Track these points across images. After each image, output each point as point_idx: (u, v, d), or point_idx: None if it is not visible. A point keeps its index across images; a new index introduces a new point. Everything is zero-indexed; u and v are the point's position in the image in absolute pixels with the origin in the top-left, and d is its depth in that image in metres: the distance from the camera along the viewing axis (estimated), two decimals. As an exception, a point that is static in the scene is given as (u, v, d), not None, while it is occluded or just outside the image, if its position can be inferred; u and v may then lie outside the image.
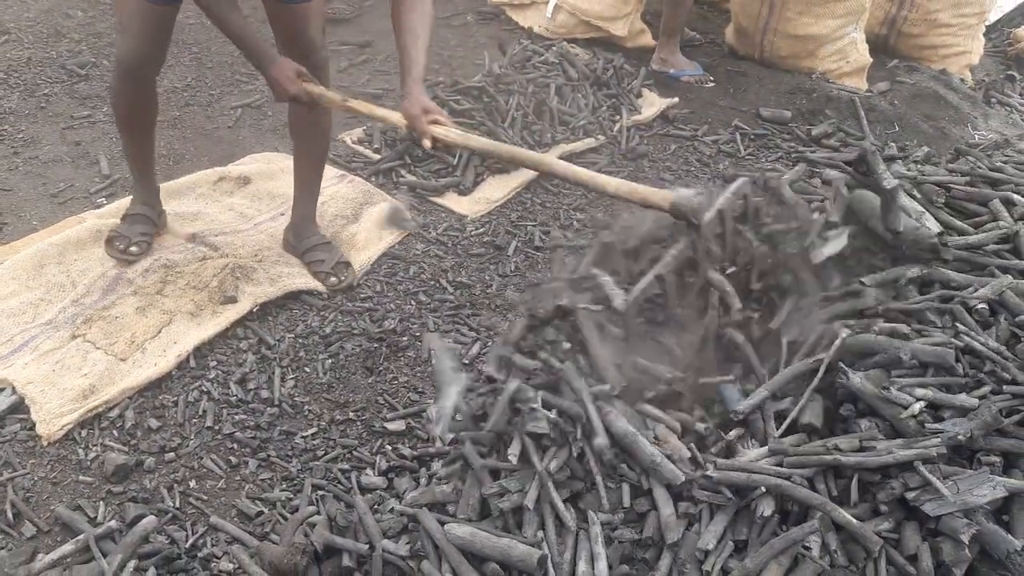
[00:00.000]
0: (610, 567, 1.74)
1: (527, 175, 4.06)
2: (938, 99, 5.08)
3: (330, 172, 3.88)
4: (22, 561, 2.18)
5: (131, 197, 3.30)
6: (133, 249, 3.13)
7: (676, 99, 4.94)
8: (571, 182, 2.50)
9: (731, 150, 4.62)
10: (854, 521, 1.68)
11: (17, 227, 3.36)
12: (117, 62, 2.81)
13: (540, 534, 1.78)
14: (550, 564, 1.73)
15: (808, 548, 1.69)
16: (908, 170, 2.24)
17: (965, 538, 1.65)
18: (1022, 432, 1.79)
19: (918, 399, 1.82)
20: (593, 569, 1.73)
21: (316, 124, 3.02)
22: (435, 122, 2.40)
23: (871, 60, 5.26)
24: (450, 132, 2.41)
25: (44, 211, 3.48)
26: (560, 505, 1.82)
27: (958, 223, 2.16)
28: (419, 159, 4.06)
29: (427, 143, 2.37)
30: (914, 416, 1.79)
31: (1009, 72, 5.77)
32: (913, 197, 2.19)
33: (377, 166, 4.01)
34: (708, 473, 1.79)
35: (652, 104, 4.86)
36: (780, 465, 1.77)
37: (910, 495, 1.71)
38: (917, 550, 1.70)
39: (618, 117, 4.63)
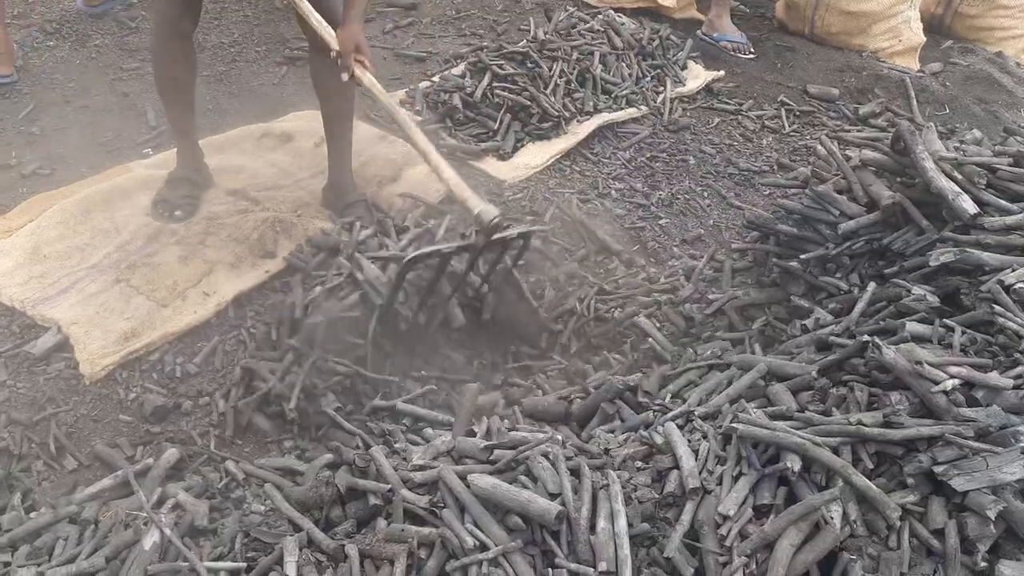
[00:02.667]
0: (630, 525, 1.76)
1: (567, 143, 4.05)
2: (992, 82, 4.94)
3: (371, 132, 3.93)
4: (63, 493, 2.27)
5: (175, 154, 3.36)
6: (178, 213, 3.19)
7: (722, 72, 4.87)
8: (423, 157, 2.80)
9: (775, 126, 4.55)
10: (874, 487, 1.68)
11: (66, 174, 3.43)
12: (155, 18, 2.87)
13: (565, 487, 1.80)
14: (567, 520, 1.76)
15: (830, 518, 1.70)
16: (949, 151, 2.20)
17: (991, 514, 1.64)
18: (1055, 413, 1.77)
19: (951, 376, 1.80)
20: (613, 526, 1.75)
21: (336, 82, 3.03)
22: (360, 63, 2.67)
23: (924, 40, 5.13)
24: (366, 75, 2.70)
25: (93, 159, 3.55)
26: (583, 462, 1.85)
27: (1002, 202, 2.12)
28: (460, 123, 4.07)
29: (345, 76, 2.63)
30: (945, 393, 1.78)
31: (1068, 57, 5.60)
32: (953, 179, 2.15)
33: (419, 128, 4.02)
34: (733, 424, 1.80)
35: (697, 76, 4.80)
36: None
37: (938, 469, 1.71)
38: (944, 525, 1.70)
39: (662, 88, 4.58)
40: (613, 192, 3.88)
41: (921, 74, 4.98)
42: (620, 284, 3.26)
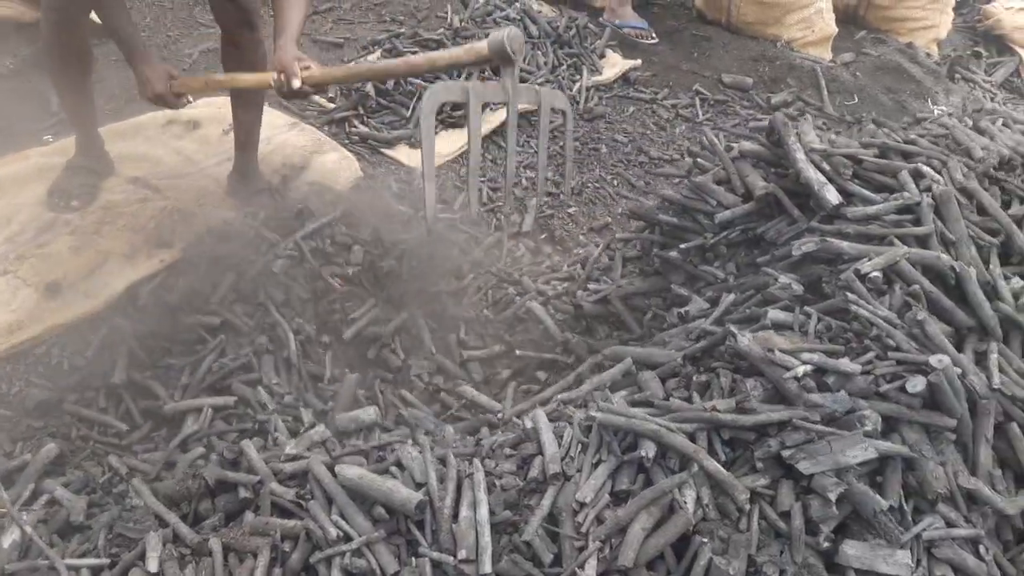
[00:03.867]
0: (492, 513, 1.79)
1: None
2: (901, 72, 5.08)
3: (281, 120, 3.88)
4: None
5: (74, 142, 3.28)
6: (74, 203, 3.11)
7: (639, 61, 4.92)
8: (406, 73, 2.83)
9: (689, 115, 4.62)
10: (723, 471, 1.74)
11: (-43, 162, 3.34)
12: (44, 7, 2.79)
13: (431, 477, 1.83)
14: (430, 508, 1.78)
15: (685, 503, 1.75)
16: (820, 142, 2.27)
17: (833, 496, 1.71)
18: (903, 398, 1.84)
19: (804, 363, 1.86)
20: (475, 514, 1.78)
21: (248, 67, 3.00)
22: (306, 68, 2.49)
23: (836, 30, 5.24)
24: (315, 72, 2.49)
25: (-8, 146, 3.45)
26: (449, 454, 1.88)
27: (867, 193, 2.19)
28: (373, 110, 4.05)
29: (296, 83, 2.45)
30: (797, 379, 1.84)
31: (976, 48, 5.77)
32: (822, 170, 2.21)
33: (331, 115, 4.00)
34: (592, 413, 1.84)
35: (614, 65, 4.84)
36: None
37: (786, 453, 1.77)
38: (790, 507, 1.76)
39: (578, 77, 4.61)
40: (523, 180, 3.91)
41: (832, 64, 5.09)
42: (524, 272, 3.29)
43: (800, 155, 2.26)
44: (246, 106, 3.22)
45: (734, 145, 2.53)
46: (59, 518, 2.04)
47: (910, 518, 1.79)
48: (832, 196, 2.15)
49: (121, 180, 3.32)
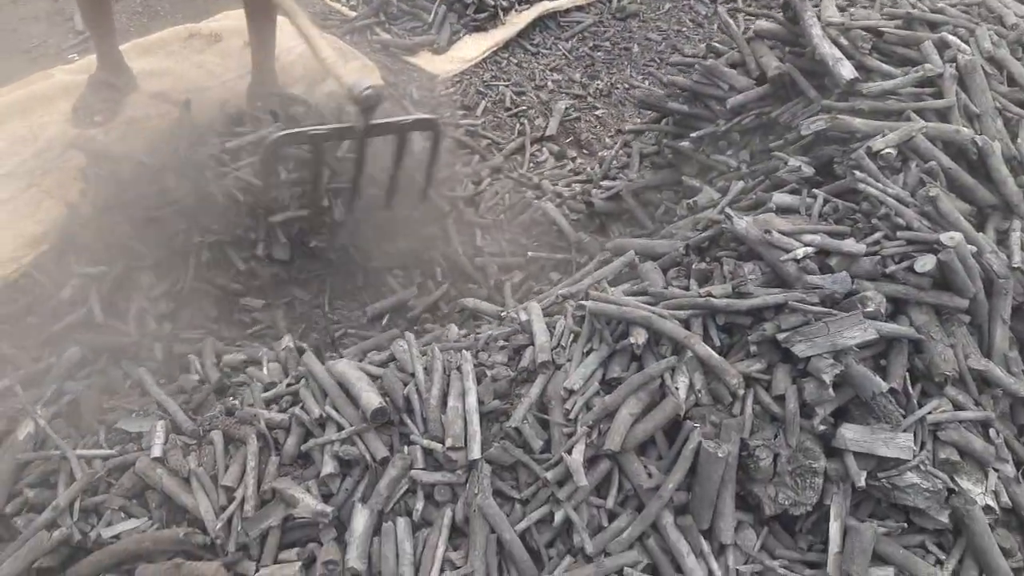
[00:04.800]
0: (481, 402, 1.79)
1: (504, 34, 3.94)
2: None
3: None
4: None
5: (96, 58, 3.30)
6: (97, 118, 3.15)
7: (676, -45, 4.68)
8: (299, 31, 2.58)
9: (729, 9, 4.38)
10: (716, 356, 1.68)
11: (-13, 83, 3.40)
12: None
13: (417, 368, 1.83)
14: (417, 398, 1.78)
15: (676, 389, 1.71)
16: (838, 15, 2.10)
17: (828, 378, 1.64)
18: (911, 278, 1.75)
19: (805, 244, 1.77)
20: (463, 404, 1.77)
21: None
22: None
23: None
24: None
25: (15, 67, 3.50)
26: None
27: (886, 67, 2.04)
28: (394, 16, 3.97)
29: None
30: (796, 261, 1.76)
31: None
32: (839, 45, 2.06)
33: (352, 24, 3.93)
34: (582, 302, 1.80)
35: (649, -40, 4.61)
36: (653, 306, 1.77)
37: (781, 336, 1.70)
38: (785, 391, 1.70)
39: (610, -27, 4.41)
40: (550, 83, 3.80)
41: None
42: (545, 175, 3.22)
43: (816, 30, 2.11)
44: (259, 16, 3.18)
45: (751, 26, 2.38)
46: (76, 415, 2.12)
47: (915, 402, 1.72)
48: (846, 71, 2.01)
49: (143, 95, 3.34)
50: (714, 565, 1.65)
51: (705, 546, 1.67)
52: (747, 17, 3.77)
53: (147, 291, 2.63)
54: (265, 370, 2.08)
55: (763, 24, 2.34)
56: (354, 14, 4.00)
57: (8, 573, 1.66)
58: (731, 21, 2.39)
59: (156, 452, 1.82)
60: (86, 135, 3.11)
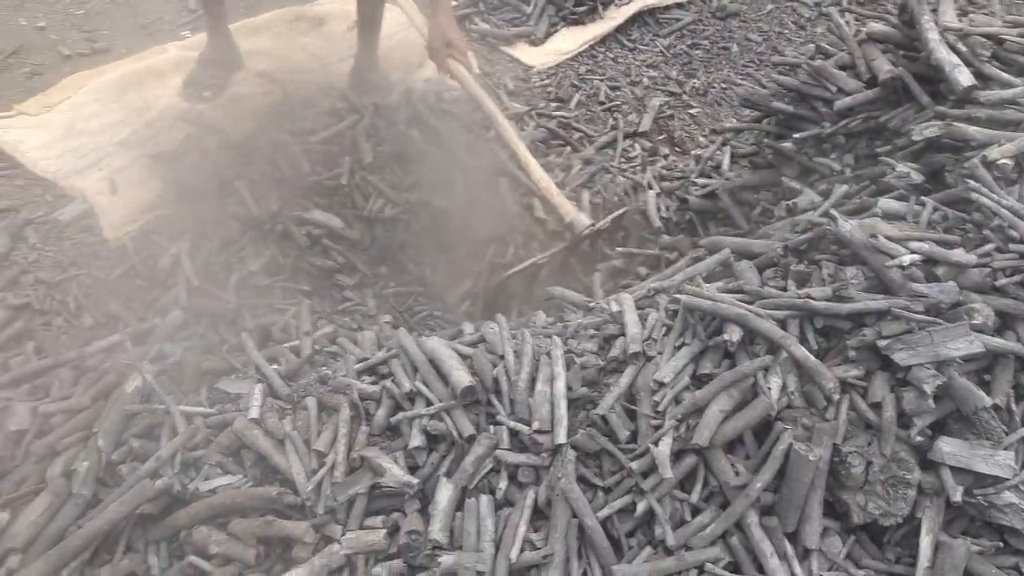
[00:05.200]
0: (569, 388, 1.80)
1: (602, 28, 3.94)
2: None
3: (401, 18, 3.90)
4: (79, 346, 2.45)
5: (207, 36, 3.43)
6: (206, 94, 3.29)
7: (781, -44, 4.59)
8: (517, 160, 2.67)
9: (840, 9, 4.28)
10: (812, 358, 1.66)
11: (106, 55, 3.56)
12: None
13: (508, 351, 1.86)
14: (506, 380, 1.81)
15: (769, 389, 1.69)
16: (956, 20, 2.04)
17: (929, 389, 1.60)
18: (1022, 293, 1.69)
19: (912, 252, 1.73)
20: (551, 388, 1.79)
21: None
22: (452, 56, 2.66)
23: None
24: (460, 71, 2.68)
25: (132, 40, 3.66)
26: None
27: (1006, 76, 1.97)
28: (493, 7, 4.01)
29: (445, 75, 2.68)
30: (902, 267, 1.72)
31: None
32: (957, 51, 2.00)
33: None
34: (677, 295, 1.80)
35: (753, -40, 4.54)
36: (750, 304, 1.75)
37: (882, 343, 1.67)
38: (883, 399, 1.67)
39: (712, -28, 4.36)
40: (645, 80, 3.78)
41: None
42: (635, 170, 3.22)
43: (933, 35, 2.06)
44: (369, 2, 3.26)
45: (863, 29, 2.33)
46: (178, 374, 2.21)
47: (1019, 419, 1.66)
48: (964, 78, 1.95)
49: (249, 74, 3.45)
50: (797, 569, 1.63)
51: (789, 549, 1.65)
52: (857, 19, 3.67)
53: (246, 262, 2.74)
54: (358, 343, 2.14)
55: (876, 26, 2.29)
56: (454, 3, 4.05)
57: (112, 516, 1.75)
58: (842, 22, 2.34)
59: (253, 413, 1.89)
60: (195, 109, 3.24)
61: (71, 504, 1.79)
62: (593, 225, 2.48)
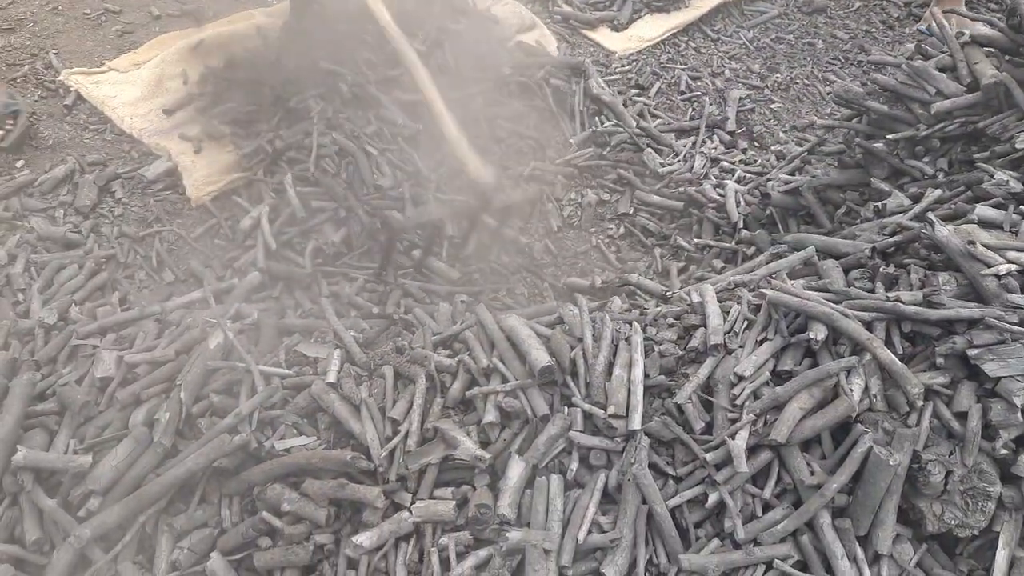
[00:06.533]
0: (647, 376, 1.80)
1: (686, 17, 3.90)
2: None
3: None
4: (160, 300, 2.52)
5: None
6: None
7: (874, -48, 4.48)
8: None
9: (922, 13, 4.17)
10: (898, 362, 1.63)
11: (194, 17, 3.61)
12: None
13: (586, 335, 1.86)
14: (583, 362, 1.81)
15: (851, 390, 1.67)
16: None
17: (1019, 402, 1.56)
18: None
19: (1009, 261, 1.69)
20: (629, 374, 1.79)
21: None
22: None
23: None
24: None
25: (221, 4, 3.71)
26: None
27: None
28: (578, -11, 3.98)
29: None
30: (998, 277, 1.67)
31: None
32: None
33: (535, -7, 3.98)
34: (762, 290, 1.78)
35: (844, -45, 4.44)
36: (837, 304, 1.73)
37: (972, 352, 1.63)
38: (968, 408, 1.64)
39: (800, -35, 4.28)
40: (727, 72, 3.73)
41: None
42: (712, 160, 3.18)
43: (1044, 40, 1.99)
44: None
45: (965, 31, 2.27)
46: (256, 334, 2.26)
47: (1110, 441, 1.62)
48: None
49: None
50: (867, 573, 1.61)
51: (859, 552, 1.63)
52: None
53: (325, 232, 2.77)
54: (434, 317, 2.16)
55: (981, 29, 2.22)
56: (537, -17, 4.04)
57: (190, 467, 1.80)
58: (945, 23, 2.27)
59: (331, 378, 1.93)
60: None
61: (151, 452, 1.85)
62: (497, 186, 2.41)
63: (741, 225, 2.63)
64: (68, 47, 3.33)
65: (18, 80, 3.13)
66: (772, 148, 3.32)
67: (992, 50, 2.22)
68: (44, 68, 3.20)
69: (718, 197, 2.78)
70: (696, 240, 2.69)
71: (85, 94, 3.10)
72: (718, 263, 2.62)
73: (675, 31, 3.87)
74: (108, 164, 2.88)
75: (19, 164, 2.83)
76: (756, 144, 3.42)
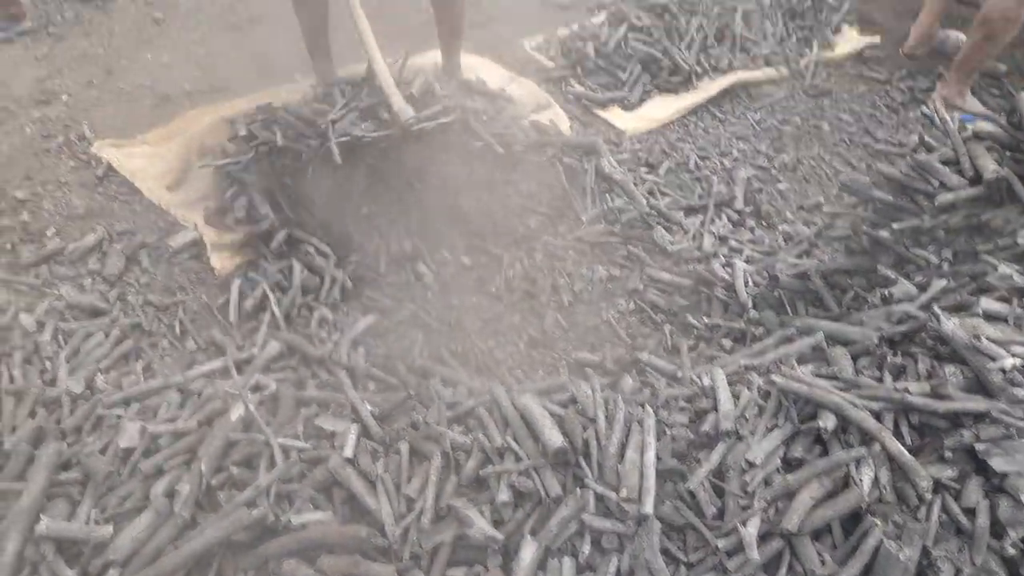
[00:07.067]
0: (659, 459, 1.83)
1: (695, 98, 4.02)
2: None
3: (502, 73, 4.04)
4: (182, 368, 2.57)
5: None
6: None
7: (877, 39, 4.63)
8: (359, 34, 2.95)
9: (926, 98, 4.29)
10: (906, 454, 1.66)
11: (223, 92, 3.75)
12: None
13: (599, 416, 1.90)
14: (596, 444, 1.85)
15: (861, 481, 1.70)
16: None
17: (1025, 498, 1.60)
18: None
19: (1014, 355, 1.74)
20: (641, 457, 1.83)
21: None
22: None
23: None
24: None
25: (248, 80, 3.84)
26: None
27: None
28: (590, 71, 4.12)
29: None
30: (1004, 371, 1.72)
31: None
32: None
33: (549, 74, 4.11)
34: (773, 377, 1.82)
35: (849, 41, 4.60)
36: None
37: (979, 447, 1.67)
38: (977, 504, 1.66)
39: (807, 50, 4.42)
40: (735, 152, 3.83)
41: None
42: (720, 238, 3.26)
43: (1043, 139, 2.08)
44: (448, 22, 3.54)
45: (968, 125, 2.35)
46: (274, 405, 2.31)
47: (1118, 538, 1.64)
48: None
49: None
50: (878, 665, 1.62)
51: (869, 644, 1.64)
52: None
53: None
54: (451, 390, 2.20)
55: (982, 125, 2.31)
56: (552, 65, 4.18)
57: (208, 540, 1.83)
58: (948, 117, 2.37)
59: (348, 453, 1.97)
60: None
61: (171, 524, 1.88)
62: (416, 118, 2.79)
63: (750, 305, 2.68)
64: (102, 120, 3.46)
65: (51, 151, 3.25)
66: (780, 228, 3.40)
67: (993, 144, 2.30)
68: (77, 139, 3.32)
69: (726, 276, 2.84)
70: (706, 319, 2.75)
71: (116, 165, 3.21)
72: (727, 342, 2.67)
73: (684, 112, 3.99)
74: (136, 233, 2.97)
75: (50, 233, 2.92)
76: (764, 223, 3.49)
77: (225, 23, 4.31)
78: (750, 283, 2.79)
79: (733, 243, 3.24)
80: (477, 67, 3.98)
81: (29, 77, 3.75)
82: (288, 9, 4.12)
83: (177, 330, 2.71)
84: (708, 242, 3.21)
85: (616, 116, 3.92)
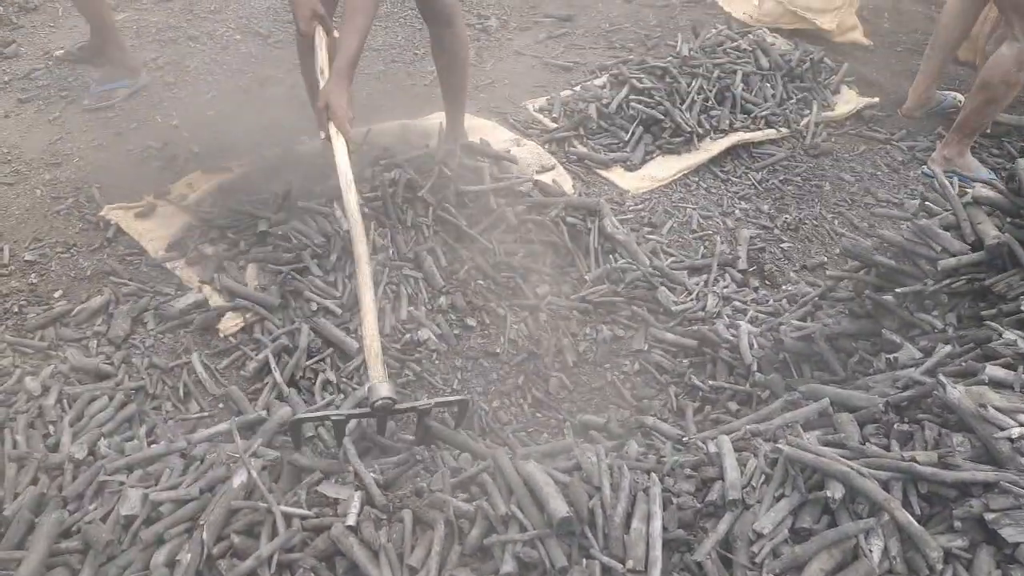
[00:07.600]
0: (666, 529, 1.81)
1: (696, 159, 4.07)
2: None
3: (505, 135, 4.10)
4: (185, 432, 2.57)
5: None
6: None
7: (876, 99, 4.71)
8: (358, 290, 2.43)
9: (926, 158, 4.34)
10: (916, 524, 1.64)
11: (229, 154, 3.78)
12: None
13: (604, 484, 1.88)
14: (601, 513, 1.83)
15: (870, 551, 1.68)
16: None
17: (1039, 571, 1.58)
18: None
19: (1021, 424, 1.73)
20: (647, 527, 1.81)
21: (451, 52, 3.44)
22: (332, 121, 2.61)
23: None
24: (337, 142, 2.59)
25: (253, 142, 3.89)
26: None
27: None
28: (593, 132, 4.18)
29: (321, 134, 2.66)
30: (1011, 440, 1.71)
31: None
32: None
33: (552, 135, 4.17)
34: (779, 446, 1.81)
35: (848, 102, 4.67)
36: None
37: (989, 516, 1.65)
38: (988, 575, 1.64)
39: (807, 111, 4.49)
40: (737, 211, 3.87)
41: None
42: (725, 300, 3.27)
43: (1041, 206, 2.10)
44: (450, 86, 3.60)
45: (968, 190, 2.38)
46: (277, 471, 2.29)
47: None
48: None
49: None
50: None
51: None
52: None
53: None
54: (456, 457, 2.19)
55: (982, 191, 2.33)
56: (555, 126, 4.24)
57: (209, 612, 1.81)
58: (947, 183, 2.39)
59: (351, 521, 1.95)
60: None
61: (171, 595, 1.86)
62: (392, 400, 2.21)
63: (755, 368, 2.68)
64: (111, 181, 3.51)
65: (61, 212, 3.29)
66: (783, 288, 3.41)
67: (994, 210, 2.33)
68: (87, 201, 3.37)
69: (731, 337, 2.85)
70: (711, 381, 2.74)
71: (124, 227, 3.25)
72: (733, 405, 2.66)
73: (686, 172, 4.03)
74: (142, 295, 2.99)
75: (57, 295, 2.94)
76: (767, 283, 3.51)
77: (234, 86, 4.40)
78: (755, 345, 2.79)
79: (737, 303, 3.25)
80: (481, 129, 4.05)
81: (41, 139, 3.82)
82: (296, 72, 4.21)
83: (181, 392, 2.71)
84: (712, 302, 3.23)
85: (619, 176, 3.97)
